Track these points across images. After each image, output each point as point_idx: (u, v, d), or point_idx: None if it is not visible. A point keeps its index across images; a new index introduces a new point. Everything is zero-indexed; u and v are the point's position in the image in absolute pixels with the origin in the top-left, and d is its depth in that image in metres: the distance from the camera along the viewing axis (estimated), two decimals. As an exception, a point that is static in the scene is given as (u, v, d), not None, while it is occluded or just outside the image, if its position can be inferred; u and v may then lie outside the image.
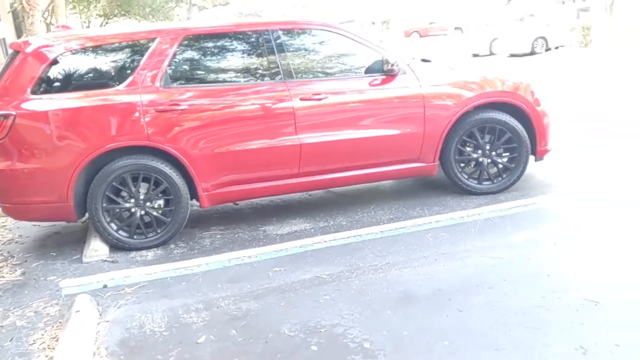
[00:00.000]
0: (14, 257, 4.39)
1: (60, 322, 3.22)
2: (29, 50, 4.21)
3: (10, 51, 4.51)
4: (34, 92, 4.11)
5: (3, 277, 4.00)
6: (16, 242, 4.75)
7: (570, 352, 2.57)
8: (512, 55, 21.20)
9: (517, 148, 4.83)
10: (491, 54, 23.12)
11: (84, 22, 38.29)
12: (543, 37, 21.19)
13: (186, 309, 3.30)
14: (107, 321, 3.20)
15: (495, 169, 4.91)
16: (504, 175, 4.90)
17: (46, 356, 2.90)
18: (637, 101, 8.83)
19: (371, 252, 3.90)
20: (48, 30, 19.91)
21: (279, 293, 3.41)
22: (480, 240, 3.95)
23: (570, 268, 3.42)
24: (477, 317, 2.93)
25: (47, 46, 4.28)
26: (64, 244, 4.60)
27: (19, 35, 17.13)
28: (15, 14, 18.64)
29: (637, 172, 5.16)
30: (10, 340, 3.08)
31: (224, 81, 4.49)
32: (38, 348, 2.99)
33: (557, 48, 20.74)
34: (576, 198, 4.66)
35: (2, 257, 4.40)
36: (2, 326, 3.26)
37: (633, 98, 9.14)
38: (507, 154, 4.89)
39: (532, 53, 20.76)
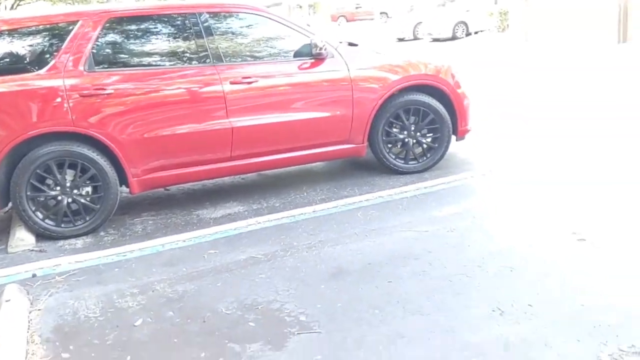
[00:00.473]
0: None
1: (-12, 314, 3.14)
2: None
3: None
4: (-54, 77, 3.91)
5: None
6: None
7: (489, 313, 2.80)
8: (435, 40, 21.86)
9: (440, 128, 5.07)
10: (415, 38, 23.73)
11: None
12: (464, 22, 21.95)
13: (120, 294, 3.29)
14: (39, 309, 3.15)
15: (420, 149, 5.14)
16: (429, 155, 5.14)
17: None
18: (547, 85, 9.40)
19: (305, 231, 4.02)
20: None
21: (214, 274, 3.46)
22: (406, 216, 4.15)
23: (488, 239, 3.68)
24: (404, 286, 3.12)
25: (-41, 28, 4.07)
26: (-14, 235, 4.43)
27: None
28: None
29: (547, 152, 5.55)
30: None
31: (151, 65, 4.44)
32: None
33: (477, 33, 21.57)
34: (494, 175, 4.97)
35: None
36: None
37: (544, 81, 9.73)
38: (431, 134, 5.12)
39: (454, 38, 21.48)
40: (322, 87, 4.73)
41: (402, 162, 5.10)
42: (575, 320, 2.69)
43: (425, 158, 5.14)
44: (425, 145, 5.12)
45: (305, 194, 4.84)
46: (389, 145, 5.07)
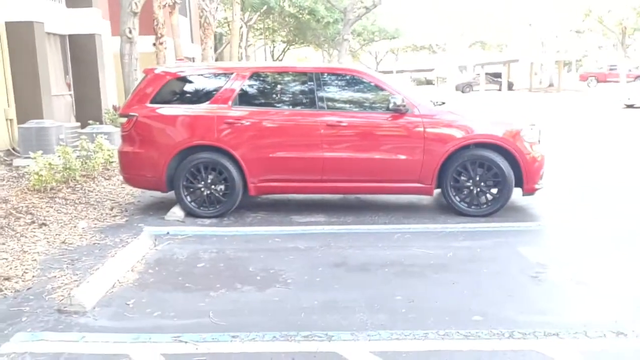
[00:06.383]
0: (127, 211, 6.51)
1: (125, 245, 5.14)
2: (152, 74, 6.35)
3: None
4: (150, 102, 6.21)
5: (114, 220, 6.10)
6: (134, 204, 6.90)
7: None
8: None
9: (502, 182, 5.86)
10: (645, 106, 22.01)
11: (270, 46, 44.24)
12: None
13: (204, 250, 5.02)
14: (155, 249, 5.05)
15: (483, 197, 5.97)
16: (490, 203, 5.94)
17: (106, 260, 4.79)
18: None
19: (348, 239, 5.29)
20: (241, 57, 25.83)
21: (265, 251, 4.98)
22: (432, 242, 5.13)
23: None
24: (379, 277, 4.29)
25: (164, 72, 6.39)
26: (160, 208, 6.61)
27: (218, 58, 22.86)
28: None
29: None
30: (97, 250, 5.06)
31: (275, 105, 6.21)
32: (110, 254, 4.90)
33: None
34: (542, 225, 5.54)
35: (120, 210, 6.53)
36: (98, 243, 5.27)
37: None
38: (495, 185, 5.92)
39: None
40: (398, 135, 5.96)
41: (466, 205, 5.98)
42: None
43: (485, 206, 5.94)
44: (488, 195, 5.93)
45: (376, 217, 6.06)
46: (457, 190, 6.00)
